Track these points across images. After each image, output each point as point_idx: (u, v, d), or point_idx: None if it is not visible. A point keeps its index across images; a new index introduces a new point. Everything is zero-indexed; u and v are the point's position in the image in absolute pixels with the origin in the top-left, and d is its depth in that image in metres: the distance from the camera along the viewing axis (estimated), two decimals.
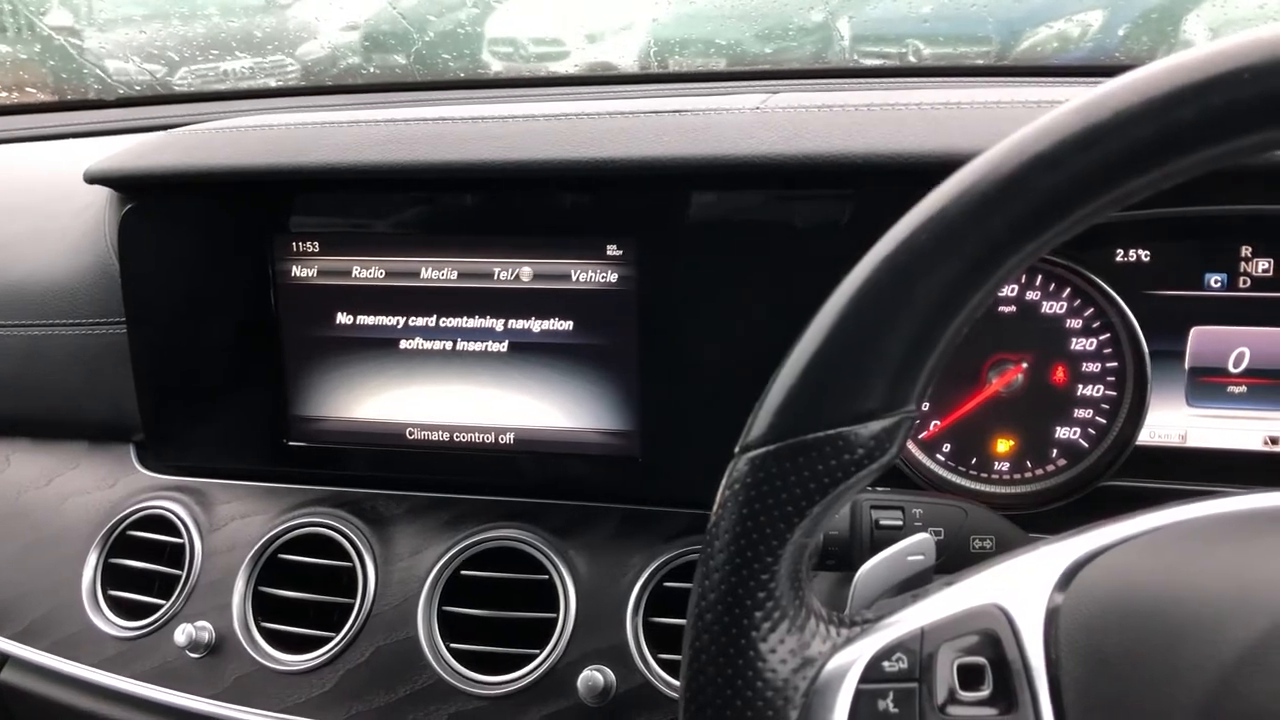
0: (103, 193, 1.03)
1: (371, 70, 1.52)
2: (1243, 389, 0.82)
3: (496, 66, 1.51)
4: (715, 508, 0.47)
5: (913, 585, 0.57)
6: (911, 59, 1.37)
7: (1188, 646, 0.42)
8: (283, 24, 1.57)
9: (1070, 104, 0.42)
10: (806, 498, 0.46)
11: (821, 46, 1.44)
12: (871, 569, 0.57)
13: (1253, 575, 0.44)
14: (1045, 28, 1.39)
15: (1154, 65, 0.40)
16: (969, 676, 0.46)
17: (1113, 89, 0.41)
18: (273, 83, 1.50)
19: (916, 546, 0.57)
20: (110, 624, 0.98)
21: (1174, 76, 0.40)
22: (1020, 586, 0.48)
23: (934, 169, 0.46)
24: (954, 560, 0.66)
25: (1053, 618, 0.46)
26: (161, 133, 1.00)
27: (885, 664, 0.46)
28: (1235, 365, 0.81)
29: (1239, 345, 0.81)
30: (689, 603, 0.48)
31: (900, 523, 0.68)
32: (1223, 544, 0.47)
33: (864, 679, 0.46)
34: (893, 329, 0.44)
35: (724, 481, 0.47)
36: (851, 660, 0.47)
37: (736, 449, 0.47)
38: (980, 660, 0.46)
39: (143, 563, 1.00)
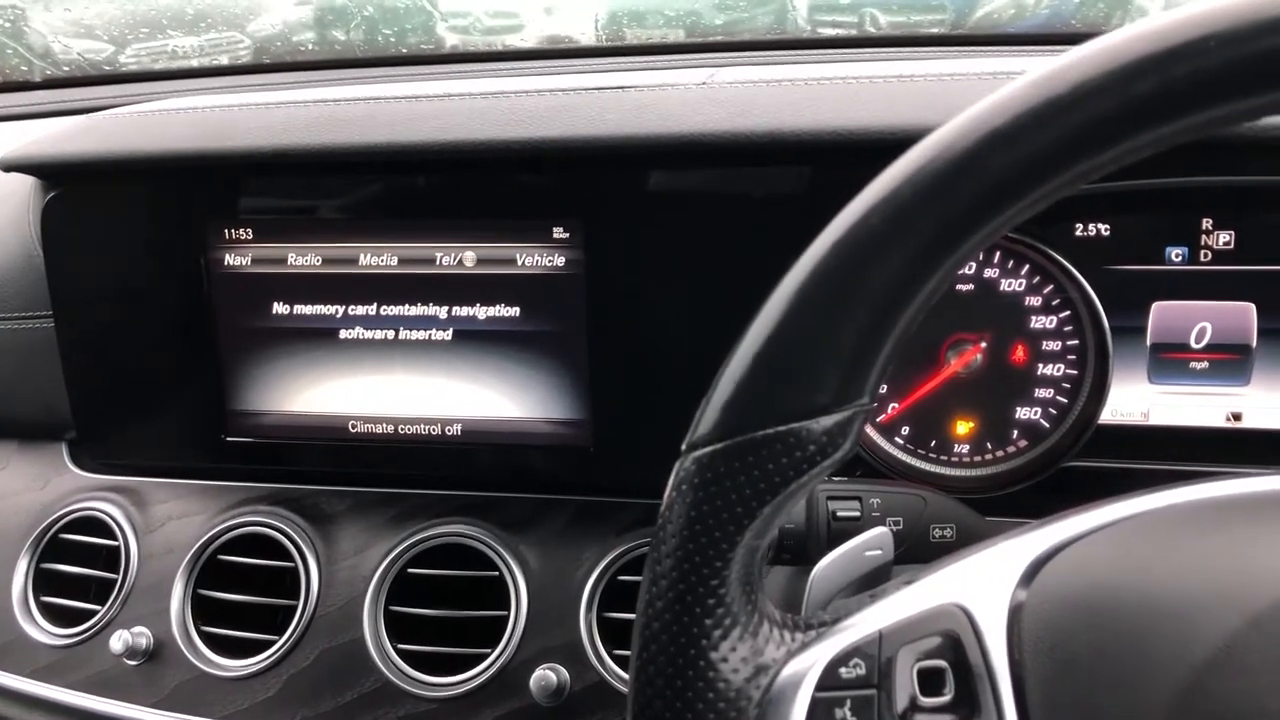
0: (26, 180, 0.98)
1: (312, 48, 1.48)
2: (1204, 365, 0.80)
3: (449, 40, 1.48)
4: (662, 509, 0.45)
5: (871, 581, 0.55)
6: (870, 28, 1.35)
7: (1157, 645, 0.40)
8: (217, 9, 1.52)
9: (1027, 77, 0.39)
10: (757, 498, 0.43)
11: (776, 16, 1.42)
12: (827, 566, 0.55)
13: (1222, 568, 0.42)
14: None
15: (1114, 35, 0.38)
16: (930, 681, 0.44)
17: (1071, 60, 0.38)
18: (209, 62, 1.45)
19: (874, 541, 0.55)
20: (43, 632, 0.94)
21: (1135, 46, 0.37)
22: (982, 584, 0.46)
23: (888, 145, 0.43)
24: (914, 550, 0.65)
25: (1016, 616, 0.44)
26: (82, 117, 0.96)
27: (842, 670, 0.44)
28: (1197, 341, 0.80)
29: (1200, 320, 0.80)
30: (636, 609, 0.46)
31: (858, 513, 0.66)
32: (1191, 535, 0.46)
33: (820, 687, 0.44)
34: (844, 318, 0.42)
35: (670, 481, 0.45)
36: (807, 667, 0.45)
37: (683, 446, 0.45)
38: (941, 664, 0.44)
39: (76, 567, 0.96)
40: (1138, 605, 0.42)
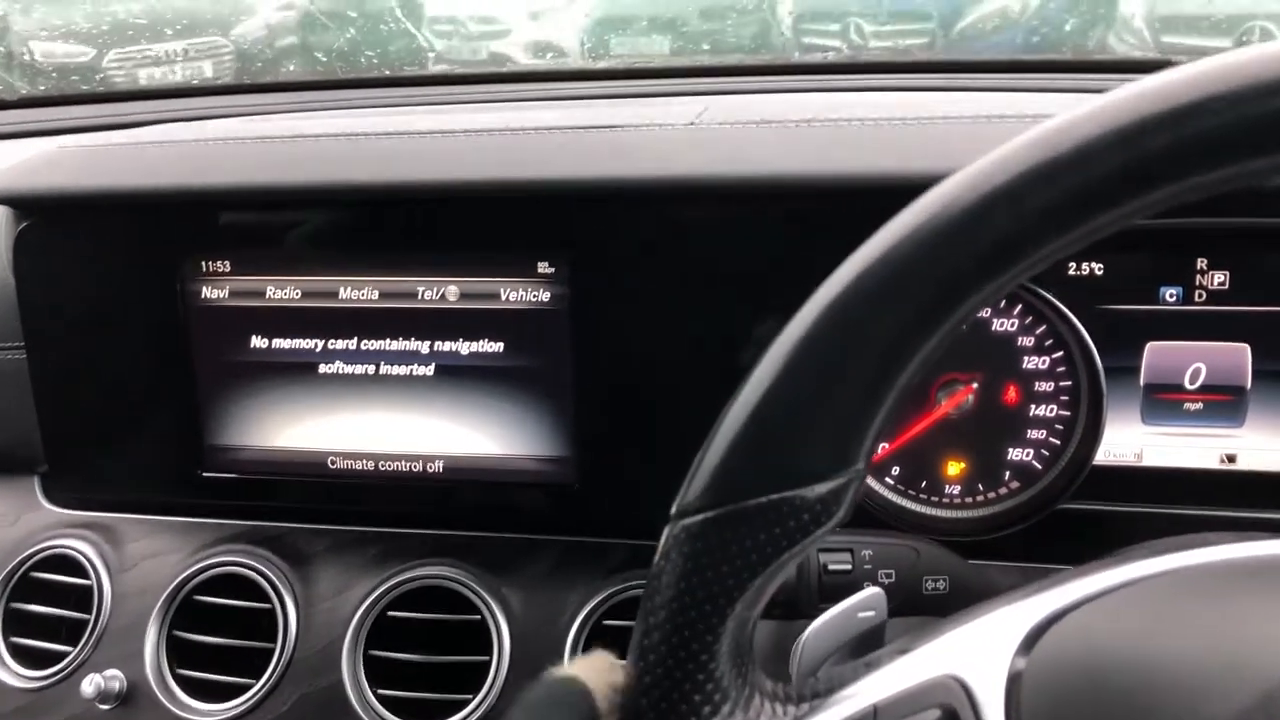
0: None
1: (293, 66, 1.46)
2: (1198, 406, 0.79)
3: (438, 45, 1.47)
4: (649, 578, 0.43)
5: (864, 643, 0.53)
6: (855, 37, 1.35)
7: None
8: (200, 13, 1.51)
9: (1030, 134, 0.38)
10: (748, 569, 0.42)
11: (763, 26, 1.42)
12: (819, 629, 0.53)
13: (1229, 641, 0.41)
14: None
15: (1119, 92, 0.37)
16: None
17: (1076, 119, 0.37)
18: (193, 67, 1.43)
19: (867, 602, 0.54)
20: (12, 674, 0.91)
21: (1140, 104, 0.36)
22: (979, 653, 0.44)
23: (880, 191, 0.42)
24: (906, 604, 0.63)
25: (1014, 686, 0.43)
26: (57, 146, 0.94)
27: None
28: (1191, 381, 0.79)
29: (1194, 361, 0.79)
30: (624, 682, 0.44)
31: (849, 566, 0.64)
32: (1197, 603, 0.44)
33: None
34: (840, 382, 0.40)
35: (659, 549, 0.43)
36: None
37: (672, 511, 0.43)
38: None
39: (47, 607, 0.93)
40: (1142, 678, 0.40)
